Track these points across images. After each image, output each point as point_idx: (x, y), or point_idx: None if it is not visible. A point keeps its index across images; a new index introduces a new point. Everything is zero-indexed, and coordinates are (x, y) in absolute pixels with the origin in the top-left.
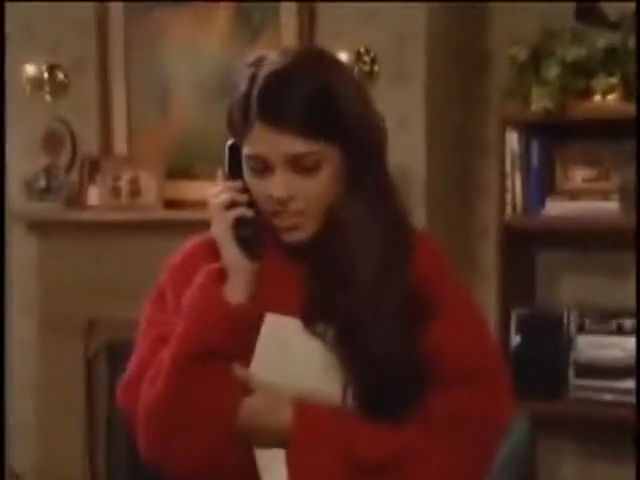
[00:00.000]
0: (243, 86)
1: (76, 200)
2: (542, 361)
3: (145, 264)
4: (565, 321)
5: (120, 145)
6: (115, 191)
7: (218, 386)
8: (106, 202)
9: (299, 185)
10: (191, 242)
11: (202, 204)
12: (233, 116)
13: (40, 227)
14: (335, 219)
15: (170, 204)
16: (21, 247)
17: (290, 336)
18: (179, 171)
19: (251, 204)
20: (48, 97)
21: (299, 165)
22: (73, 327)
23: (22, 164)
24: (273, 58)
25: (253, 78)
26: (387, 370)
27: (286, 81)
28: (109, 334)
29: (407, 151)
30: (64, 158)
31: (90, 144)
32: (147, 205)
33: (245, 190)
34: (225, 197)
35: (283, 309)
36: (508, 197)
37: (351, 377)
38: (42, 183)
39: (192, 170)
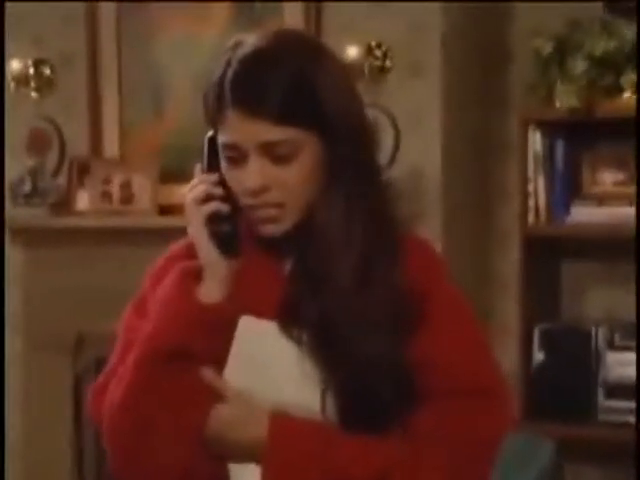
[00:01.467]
0: (218, 71)
1: (64, 205)
2: (568, 381)
3: (138, 275)
4: (593, 337)
5: (111, 146)
6: (106, 195)
7: (186, 391)
8: (96, 207)
9: (274, 175)
10: (173, 246)
11: None
12: (207, 105)
13: (25, 234)
14: (314, 214)
15: (165, 210)
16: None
17: (266, 340)
18: (175, 174)
19: (228, 198)
20: (33, 94)
21: (273, 153)
22: (60, 342)
23: (5, 166)
24: (251, 41)
25: (228, 62)
26: (368, 379)
27: (261, 64)
28: (99, 350)
29: (421, 152)
30: (51, 160)
31: (79, 145)
32: (140, 211)
33: (222, 183)
34: (199, 190)
35: (260, 311)
36: (531, 202)
37: (330, 386)
38: (27, 187)
39: (189, 173)
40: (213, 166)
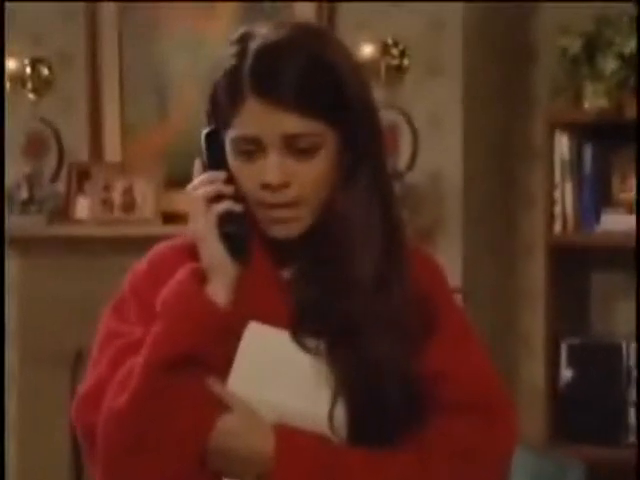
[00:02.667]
0: (230, 63)
1: (62, 213)
2: (597, 399)
3: None
4: (624, 352)
5: (112, 150)
6: (107, 203)
7: (191, 399)
8: (96, 215)
9: (294, 169)
10: (156, 249)
11: None
12: (217, 98)
13: (21, 244)
14: (330, 213)
15: (170, 218)
16: None
17: (275, 349)
18: (180, 180)
19: (237, 197)
20: (30, 95)
21: (295, 147)
22: (59, 358)
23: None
24: (264, 32)
25: (242, 53)
26: (380, 386)
27: (283, 53)
28: None
29: (441, 156)
30: (48, 165)
31: (78, 149)
32: (143, 219)
33: (230, 181)
34: (209, 189)
35: (269, 317)
36: (557, 210)
37: (340, 395)
38: (23, 194)
39: (193, 179)
40: (217, 163)
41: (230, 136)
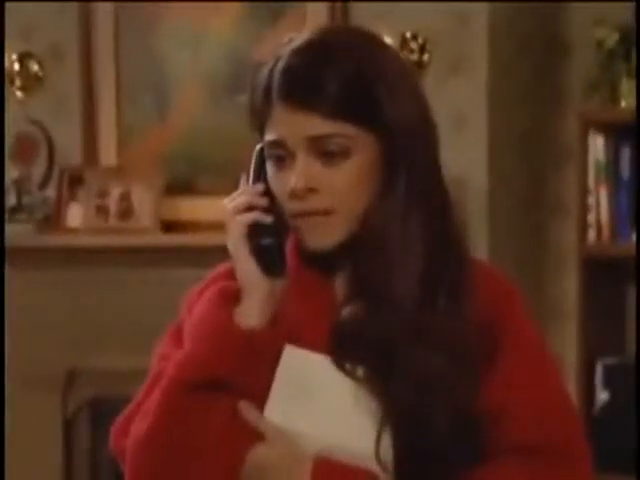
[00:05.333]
0: (267, 67)
1: (53, 221)
2: (635, 424)
3: (139, 301)
4: None
5: (108, 153)
6: (101, 210)
7: (220, 426)
8: (90, 224)
9: (322, 176)
10: (217, 268)
11: (209, 226)
12: (255, 100)
13: (9, 255)
14: (368, 224)
15: (170, 226)
16: None
17: (315, 375)
18: (181, 186)
19: (272, 210)
20: (19, 93)
21: (323, 150)
22: (48, 379)
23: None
24: (304, 35)
25: (279, 57)
26: (433, 419)
27: (314, 56)
28: (93, 389)
29: (465, 158)
30: (38, 169)
31: (70, 152)
32: (141, 228)
33: (267, 194)
34: (240, 200)
35: (308, 339)
36: (591, 218)
37: (386, 426)
38: (11, 200)
39: (196, 184)
40: (259, 178)
41: (265, 142)
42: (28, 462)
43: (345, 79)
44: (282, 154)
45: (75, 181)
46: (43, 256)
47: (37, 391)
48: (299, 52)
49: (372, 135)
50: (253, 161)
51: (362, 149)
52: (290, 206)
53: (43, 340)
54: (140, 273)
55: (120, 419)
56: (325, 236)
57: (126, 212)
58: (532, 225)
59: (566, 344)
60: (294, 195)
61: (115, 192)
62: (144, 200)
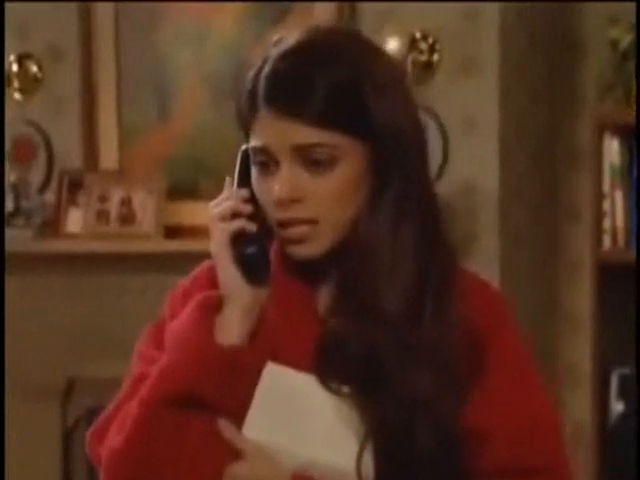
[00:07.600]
0: (254, 69)
1: (52, 227)
2: None
3: (139, 308)
4: None
5: (108, 156)
6: (102, 215)
7: (198, 443)
8: (91, 229)
9: (307, 185)
10: (201, 265)
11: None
12: (241, 105)
13: (6, 261)
14: (356, 233)
15: (172, 232)
16: None
17: (296, 391)
18: (184, 190)
19: (257, 217)
20: (17, 95)
21: (308, 159)
22: (47, 389)
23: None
24: (292, 36)
25: (265, 58)
26: (416, 435)
27: (301, 60)
28: (93, 398)
29: (475, 162)
30: (37, 173)
31: (70, 155)
32: (143, 233)
33: (252, 200)
34: (225, 206)
35: (291, 355)
36: (606, 223)
37: (370, 444)
38: (9, 205)
39: (199, 188)
40: (244, 182)
41: (250, 147)
42: (28, 471)
43: (332, 86)
44: (267, 160)
45: (75, 185)
46: (42, 262)
47: (36, 401)
48: (286, 56)
49: (360, 143)
50: (238, 163)
51: (349, 157)
52: (275, 214)
53: (42, 348)
54: (141, 280)
55: (97, 424)
56: (310, 246)
57: (127, 217)
58: (545, 231)
59: (580, 353)
60: (279, 204)
61: (116, 196)
62: (146, 205)
